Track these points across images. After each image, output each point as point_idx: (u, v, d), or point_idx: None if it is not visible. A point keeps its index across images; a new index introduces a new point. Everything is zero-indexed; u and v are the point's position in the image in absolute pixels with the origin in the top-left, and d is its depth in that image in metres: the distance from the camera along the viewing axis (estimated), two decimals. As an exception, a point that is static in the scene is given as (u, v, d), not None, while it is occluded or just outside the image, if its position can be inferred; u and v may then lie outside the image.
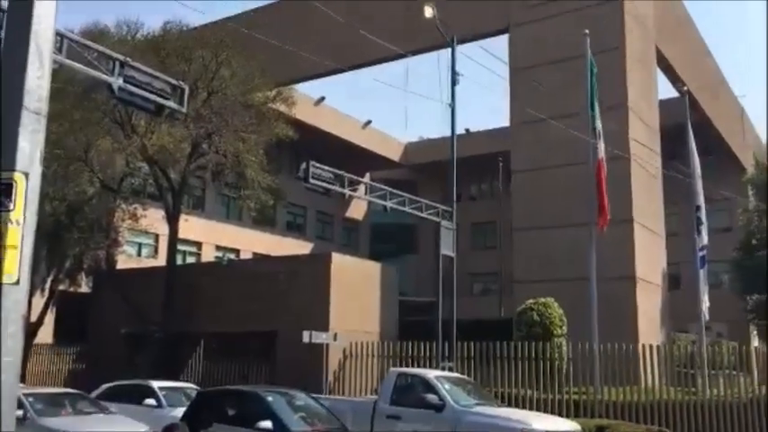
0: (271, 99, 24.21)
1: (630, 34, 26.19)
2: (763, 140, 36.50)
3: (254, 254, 37.12)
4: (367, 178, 40.08)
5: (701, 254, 19.28)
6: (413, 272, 40.67)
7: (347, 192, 17.87)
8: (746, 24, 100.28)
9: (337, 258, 21.62)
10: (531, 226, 26.33)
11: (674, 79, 31.21)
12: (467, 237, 41.81)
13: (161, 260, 27.94)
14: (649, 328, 24.24)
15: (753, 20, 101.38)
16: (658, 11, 29.73)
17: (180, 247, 27.83)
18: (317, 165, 16.15)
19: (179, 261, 28.96)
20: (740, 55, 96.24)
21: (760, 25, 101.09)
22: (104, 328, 24.51)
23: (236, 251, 37.66)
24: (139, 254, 32.47)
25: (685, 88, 24.43)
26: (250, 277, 22.83)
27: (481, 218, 44.26)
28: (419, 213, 19.60)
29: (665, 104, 29.99)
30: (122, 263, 26.29)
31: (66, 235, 23.37)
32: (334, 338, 18.96)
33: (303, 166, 16.05)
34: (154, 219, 25.22)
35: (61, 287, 25.70)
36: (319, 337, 18.13)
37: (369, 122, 44.11)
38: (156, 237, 32.29)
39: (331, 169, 16.81)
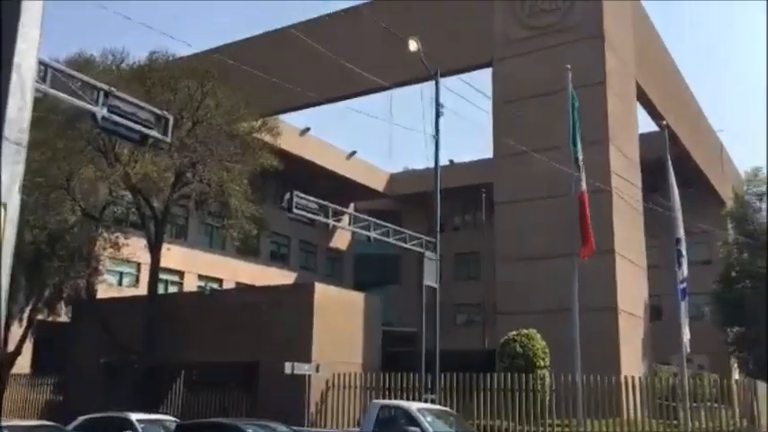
0: (256, 129, 24.25)
1: (611, 70, 26.62)
2: (742, 174, 36.98)
3: (237, 283, 36.85)
4: (351, 208, 40.12)
5: (681, 286, 19.40)
6: (397, 302, 40.51)
7: (331, 222, 17.86)
8: (724, 61, 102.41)
9: (320, 288, 21.51)
10: (513, 257, 26.38)
11: (654, 114, 31.72)
12: (451, 267, 41.80)
13: (142, 289, 27.65)
14: (631, 360, 24.25)
15: (731, 57, 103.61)
16: (638, 47, 30.28)
17: (162, 276, 27.59)
18: (302, 195, 16.15)
19: (161, 290, 28.69)
20: (718, 90, 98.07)
21: (738, 60, 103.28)
22: (83, 358, 24.12)
23: (219, 281, 37.38)
24: (120, 283, 32.12)
25: (665, 123, 24.81)
26: (232, 307, 22.63)
27: (465, 248, 44.33)
28: (403, 244, 19.61)
29: (645, 138, 30.39)
30: (103, 292, 25.99)
31: (47, 264, 23.10)
32: (317, 370, 18.78)
33: (287, 196, 16.05)
34: (136, 247, 25.00)
35: (40, 316, 25.31)
36: (301, 369, 17.96)
37: (354, 153, 44.30)
38: (138, 266, 31.99)
39: (315, 200, 16.82)
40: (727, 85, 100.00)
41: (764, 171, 31.65)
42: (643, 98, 30.88)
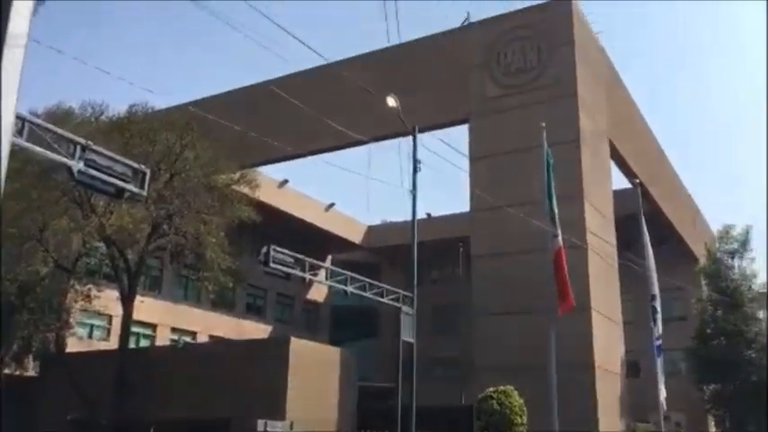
0: (234, 181, 24.26)
1: (585, 128, 27.16)
2: (714, 232, 37.59)
3: (211, 336, 36.23)
4: (329, 261, 39.95)
5: (657, 343, 19.47)
6: (374, 355, 40.06)
7: (308, 276, 17.74)
8: (695, 122, 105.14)
9: (296, 343, 21.22)
10: (490, 312, 26.34)
11: (628, 172, 32.31)
12: (428, 321, 41.47)
13: (113, 343, 27.08)
14: (609, 418, 24.08)
15: (702, 118, 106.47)
16: (611, 107, 31.02)
17: (134, 329, 27.07)
18: (279, 249, 16.07)
19: (132, 344, 28.11)
20: (690, 150, 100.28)
21: (708, 120, 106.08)
22: (51, 414, 23.39)
23: (193, 333, 36.73)
24: (91, 336, 31.41)
25: (638, 180, 25.27)
26: (205, 362, 22.21)
27: (443, 302, 44.13)
28: (380, 299, 19.50)
29: (619, 195, 30.84)
30: (72, 345, 25.39)
31: (16, 316, 22.58)
32: (291, 427, 18.38)
33: (264, 250, 15.96)
34: (108, 299, 24.57)
35: (7, 370, 24.60)
36: (275, 427, 17.57)
37: (332, 205, 44.35)
38: (110, 318, 31.32)
39: (292, 253, 16.73)
40: (697, 144, 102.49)
41: (736, 229, 32.18)
42: (617, 156, 31.48)
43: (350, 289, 18.65)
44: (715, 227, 40.37)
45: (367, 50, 31.48)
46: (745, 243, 31.47)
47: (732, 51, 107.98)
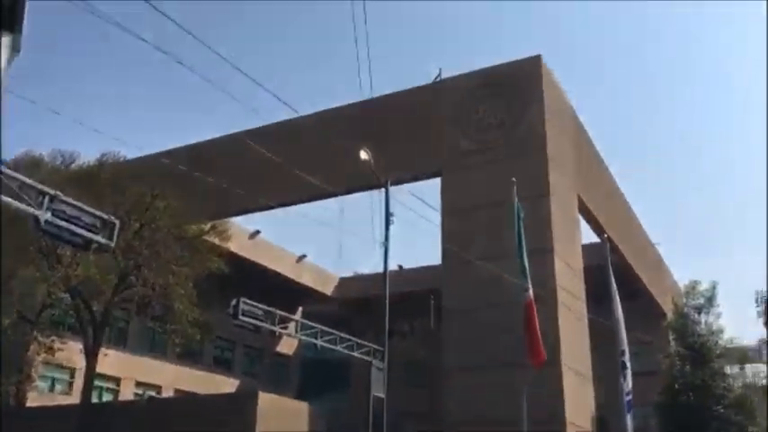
0: (205, 232, 24.12)
1: (554, 183, 27.54)
2: (681, 287, 38.08)
3: (177, 391, 35.33)
4: (299, 313, 39.55)
5: (626, 398, 19.43)
6: (344, 409, 39.32)
7: (277, 329, 17.52)
8: (660, 177, 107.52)
9: (264, 398, 20.79)
10: (461, 366, 26.11)
11: (596, 227, 32.72)
12: (400, 374, 40.95)
13: (75, 397, 26.24)
14: (581, 476, 23.78)
15: (664, 174, 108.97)
16: (580, 163, 31.59)
17: (97, 382, 26.34)
18: (248, 302, 15.89)
19: (95, 398, 27.28)
20: (656, 207, 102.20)
21: (672, 175, 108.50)
22: (5, 472, 22.40)
23: (158, 388, 35.78)
24: (52, 389, 30.43)
25: (606, 235, 25.61)
26: (170, 417, 21.59)
27: (414, 355, 43.72)
28: (350, 353, 19.28)
29: (588, 249, 31.15)
30: (32, 399, 24.56)
31: (-26, 369, 21.85)
32: (257, 487, 17.84)
33: (234, 302, 15.76)
34: (71, 352, 23.95)
35: (-38, 426, 23.64)
36: (241, 485, 17.03)
37: (303, 257, 44.16)
38: (72, 371, 30.42)
39: (262, 306, 16.54)
40: (663, 201, 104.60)
41: (702, 284, 32.58)
42: (585, 211, 31.92)
43: (320, 342, 18.44)
44: (682, 282, 40.92)
45: (340, 104, 31.80)
46: (711, 299, 31.79)
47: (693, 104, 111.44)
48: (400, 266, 44.48)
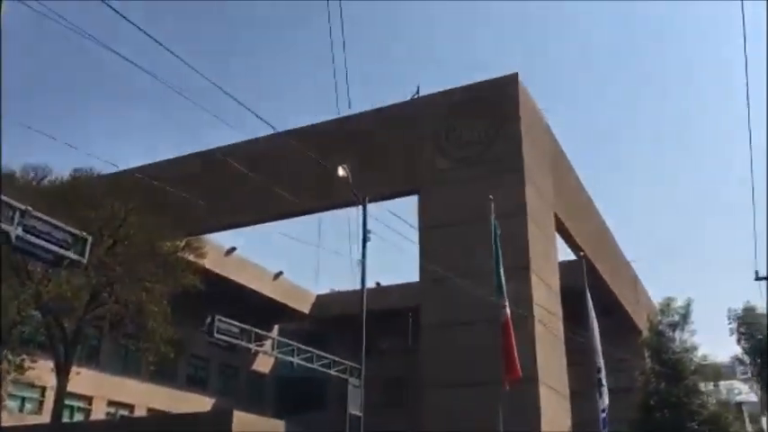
0: (179, 248, 23.85)
1: (531, 201, 27.74)
2: (656, 305, 38.43)
3: (150, 410, 34.75)
4: (276, 331, 39.23)
5: (602, 416, 19.47)
6: (321, 427, 38.91)
7: (253, 347, 17.33)
8: (634, 194, 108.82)
9: (239, 417, 20.50)
10: (440, 383, 26.04)
11: (572, 244, 32.97)
12: (377, 393, 40.52)
13: (46, 417, 25.68)
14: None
15: (639, 192, 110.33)
16: (556, 180, 31.86)
17: (68, 401, 25.85)
18: (224, 319, 15.70)
19: (66, 418, 26.73)
20: (632, 224, 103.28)
21: (648, 192, 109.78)
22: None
23: (131, 407, 35.16)
24: (22, 409, 29.76)
25: (582, 253, 25.76)
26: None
27: (392, 373, 43.45)
28: (327, 371, 19.12)
29: (564, 267, 31.37)
30: (2, 419, 23.93)
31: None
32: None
33: (209, 320, 15.57)
34: (42, 370, 23.42)
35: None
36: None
37: (280, 274, 43.83)
38: (43, 390, 29.78)
39: (238, 324, 16.36)
40: (638, 220, 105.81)
41: (677, 301, 32.89)
42: (562, 229, 32.17)
43: (297, 360, 18.27)
44: (656, 299, 41.29)
45: (319, 120, 31.79)
46: (685, 316, 32.07)
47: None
48: (378, 284, 44.38)
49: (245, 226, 32.39)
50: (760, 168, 20.11)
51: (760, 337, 35.28)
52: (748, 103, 19.34)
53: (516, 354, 18.00)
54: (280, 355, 19.06)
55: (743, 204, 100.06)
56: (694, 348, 31.76)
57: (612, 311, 39.92)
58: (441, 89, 30.49)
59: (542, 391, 25.01)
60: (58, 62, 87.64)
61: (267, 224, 29.38)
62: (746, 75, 14.46)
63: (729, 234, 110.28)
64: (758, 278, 24.73)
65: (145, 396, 35.71)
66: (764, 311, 34.11)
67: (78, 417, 32.22)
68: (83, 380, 27.51)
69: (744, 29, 13.50)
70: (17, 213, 9.45)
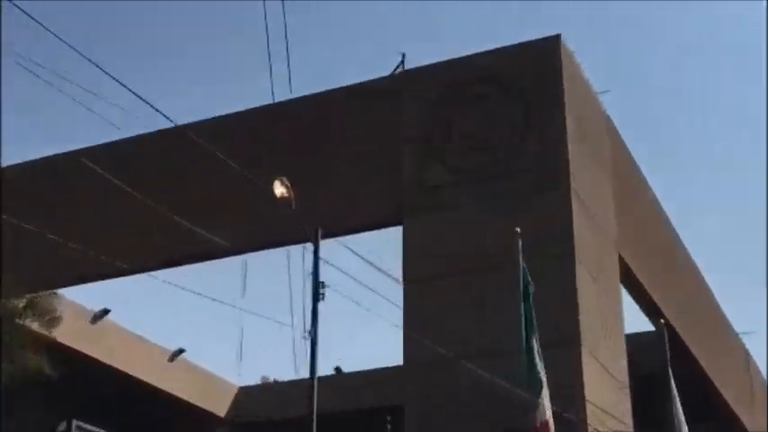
0: (18, 312, 23.85)
1: (582, 236, 27.37)
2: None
3: None
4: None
5: None
6: None
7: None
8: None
9: None
10: None
11: (646, 305, 33.07)
12: None
13: None
14: None
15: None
16: (622, 207, 31.56)
17: None
18: (84, 426, 15.75)
19: None
20: (740, 281, 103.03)
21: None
22: None
23: None
24: None
25: (662, 321, 25.88)
26: None
27: None
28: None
29: (634, 341, 31.37)
30: None
31: None
32: None
33: (62, 426, 15.62)
34: None
35: None
36: None
37: (180, 352, 43.57)
38: None
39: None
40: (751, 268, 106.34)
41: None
42: (630, 281, 32.07)
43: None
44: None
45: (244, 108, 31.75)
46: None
47: None
48: (338, 369, 44.32)
49: (124, 276, 32.15)
50: None
51: None
52: None
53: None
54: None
55: None
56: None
57: (713, 412, 40.06)
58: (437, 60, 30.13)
59: None
60: None
61: (159, 273, 29.15)
62: None
63: None
64: None
65: None
66: None
67: None
68: None
69: None
70: None
